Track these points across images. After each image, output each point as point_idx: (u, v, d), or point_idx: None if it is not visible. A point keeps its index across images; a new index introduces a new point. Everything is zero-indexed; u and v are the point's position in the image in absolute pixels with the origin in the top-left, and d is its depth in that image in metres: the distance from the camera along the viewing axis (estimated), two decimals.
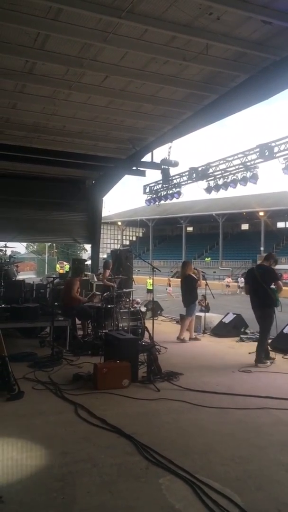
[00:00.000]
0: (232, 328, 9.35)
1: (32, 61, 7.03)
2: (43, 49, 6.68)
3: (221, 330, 9.45)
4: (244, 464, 3.41)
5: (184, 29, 6.09)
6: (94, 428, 4.08)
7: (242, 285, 30.17)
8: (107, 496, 2.92)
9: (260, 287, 6.81)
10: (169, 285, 26.48)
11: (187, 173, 12.42)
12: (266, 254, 7.23)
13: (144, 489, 3.02)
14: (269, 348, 7.30)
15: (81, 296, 8.77)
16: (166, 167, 11.50)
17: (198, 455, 3.55)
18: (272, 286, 6.83)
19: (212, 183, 11.73)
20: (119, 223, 56.03)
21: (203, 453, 3.59)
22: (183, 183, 12.65)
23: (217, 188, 11.53)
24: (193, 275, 9.05)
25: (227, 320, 9.64)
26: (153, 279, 9.25)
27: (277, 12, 5.63)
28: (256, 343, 7.18)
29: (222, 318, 9.83)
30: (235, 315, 9.62)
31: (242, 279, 31.11)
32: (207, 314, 10.12)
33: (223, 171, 11.46)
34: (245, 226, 50.93)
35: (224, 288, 30.91)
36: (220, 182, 11.47)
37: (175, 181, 12.86)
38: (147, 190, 14.22)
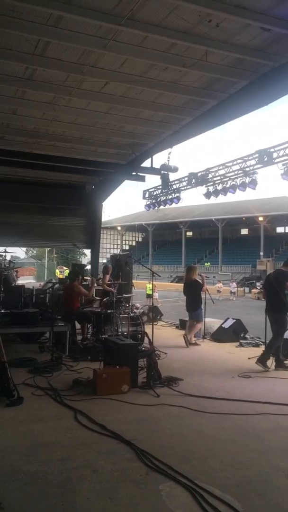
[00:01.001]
0: (231, 333, 9.35)
1: (32, 67, 7.07)
2: (44, 55, 6.72)
3: (220, 335, 9.44)
4: (244, 470, 3.41)
5: (183, 36, 6.12)
6: (93, 434, 4.07)
7: (234, 290, 30.32)
8: (107, 502, 2.91)
9: (273, 291, 6.81)
10: (154, 291, 26.00)
11: (186, 179, 12.44)
12: (287, 259, 7.20)
13: (144, 495, 3.01)
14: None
15: (85, 293, 8.64)
16: (166, 172, 11.54)
17: (198, 461, 3.54)
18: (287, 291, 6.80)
19: (211, 189, 11.74)
20: (119, 228, 56.07)
21: (203, 459, 3.58)
22: (183, 188, 12.67)
23: (216, 193, 11.55)
24: (199, 280, 9.07)
25: (226, 325, 9.63)
26: (152, 284, 9.27)
27: (276, 19, 5.66)
28: (255, 348, 7.15)
29: (222, 323, 9.82)
30: (234, 320, 9.62)
31: (234, 284, 31.25)
32: (206, 319, 10.11)
33: (222, 177, 11.47)
34: (244, 231, 50.95)
35: (216, 293, 30.60)
36: (219, 187, 11.49)
37: (174, 186, 12.88)
38: (147, 195, 14.24)
